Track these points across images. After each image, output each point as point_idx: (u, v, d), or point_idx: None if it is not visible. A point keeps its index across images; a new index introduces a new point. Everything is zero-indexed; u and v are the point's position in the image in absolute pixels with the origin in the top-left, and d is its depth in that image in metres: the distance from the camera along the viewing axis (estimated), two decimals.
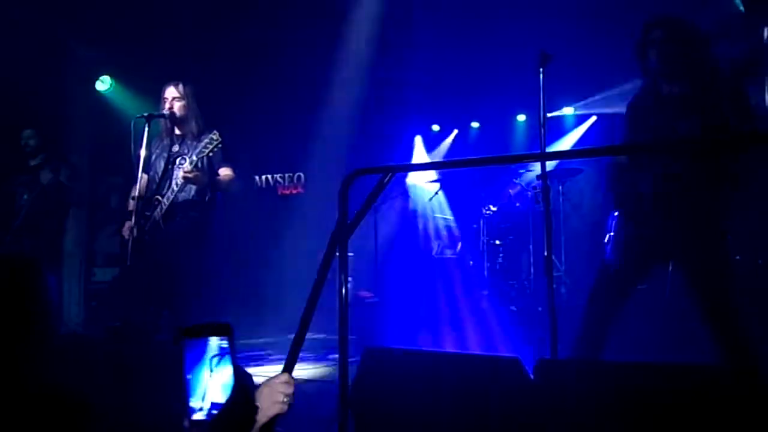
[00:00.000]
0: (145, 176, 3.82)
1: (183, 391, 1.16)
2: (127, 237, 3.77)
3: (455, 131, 8.84)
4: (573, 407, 2.11)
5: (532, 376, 2.26)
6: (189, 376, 1.17)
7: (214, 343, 1.20)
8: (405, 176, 7.39)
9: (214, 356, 1.19)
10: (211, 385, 1.18)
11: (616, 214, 2.87)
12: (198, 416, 1.16)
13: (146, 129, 3.78)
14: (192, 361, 1.18)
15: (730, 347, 2.57)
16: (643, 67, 2.90)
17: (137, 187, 3.79)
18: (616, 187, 2.93)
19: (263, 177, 8.08)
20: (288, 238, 7.13)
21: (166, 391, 2.58)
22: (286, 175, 8.07)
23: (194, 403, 1.17)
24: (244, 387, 1.17)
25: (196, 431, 1.15)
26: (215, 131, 3.74)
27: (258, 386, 1.61)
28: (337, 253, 1.95)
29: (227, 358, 1.20)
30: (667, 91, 2.81)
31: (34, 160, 5.20)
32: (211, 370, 1.19)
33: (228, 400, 1.16)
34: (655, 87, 2.83)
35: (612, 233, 2.84)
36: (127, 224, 3.82)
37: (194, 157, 3.71)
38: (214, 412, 1.17)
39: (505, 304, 5.67)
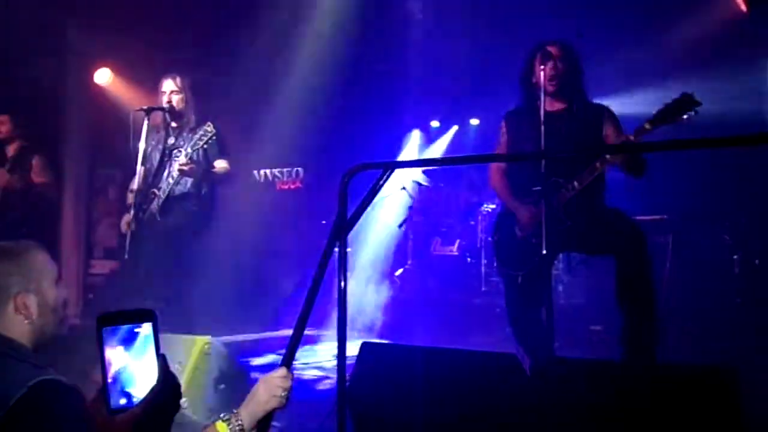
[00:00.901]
0: (142, 168, 3.81)
1: (103, 379, 1.13)
2: (124, 231, 3.77)
3: (455, 127, 8.84)
4: (569, 405, 2.12)
5: (528, 374, 2.27)
6: (108, 364, 1.14)
7: (135, 330, 1.16)
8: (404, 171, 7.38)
9: (135, 343, 1.16)
10: (134, 372, 1.15)
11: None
12: (121, 402, 1.14)
13: (145, 122, 3.78)
14: (111, 348, 1.14)
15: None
16: (527, 83, 3.18)
17: (135, 180, 3.79)
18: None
19: (262, 172, 8.07)
20: (287, 233, 7.13)
21: None
22: (285, 170, 8.06)
23: (116, 390, 1.14)
24: (167, 373, 1.16)
25: (119, 418, 1.13)
26: (209, 123, 3.73)
27: (254, 381, 1.62)
28: (337, 249, 1.95)
29: (150, 345, 1.17)
30: (551, 107, 3.04)
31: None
32: (134, 358, 1.15)
33: (153, 387, 1.14)
34: (538, 102, 3.01)
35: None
36: (125, 218, 3.81)
37: (189, 150, 3.71)
38: (136, 400, 1.14)
39: (502, 301, 5.67)
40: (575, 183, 2.96)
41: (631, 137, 2.83)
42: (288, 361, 1.67)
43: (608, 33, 5.61)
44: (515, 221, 3.19)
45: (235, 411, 1.55)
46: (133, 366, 1.15)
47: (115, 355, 1.14)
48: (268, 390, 1.57)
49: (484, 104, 7.58)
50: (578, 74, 3.16)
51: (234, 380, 2.76)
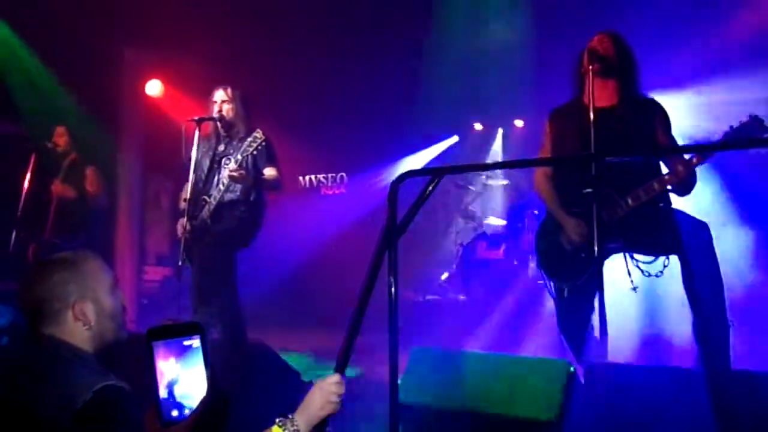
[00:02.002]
0: (193, 177, 3.90)
1: (155, 391, 1.15)
2: (180, 236, 3.87)
3: (500, 130, 8.77)
4: (623, 412, 2.08)
5: (582, 380, 2.23)
6: (161, 377, 1.16)
7: (185, 343, 1.18)
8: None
9: (186, 356, 1.18)
10: (185, 384, 1.17)
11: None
12: (173, 414, 1.16)
13: (197, 132, 3.88)
14: (163, 360, 1.16)
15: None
16: (575, 74, 3.03)
17: (187, 188, 3.88)
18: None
19: (307, 177, 8.17)
20: (331, 238, 7.19)
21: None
22: (329, 175, 8.14)
23: (168, 402, 1.16)
24: (216, 386, 1.18)
25: (172, 430, 1.15)
26: (259, 130, 3.79)
27: (309, 386, 1.64)
28: (387, 255, 1.95)
29: (199, 357, 1.19)
30: (599, 103, 2.87)
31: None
32: (185, 370, 1.17)
33: (203, 399, 1.16)
34: (585, 99, 2.88)
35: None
36: (181, 221, 3.92)
37: (239, 157, 3.77)
38: (187, 412, 1.16)
39: (551, 305, 5.59)
40: (629, 200, 2.81)
41: (694, 161, 2.71)
42: (341, 368, 1.68)
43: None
44: (562, 231, 3.03)
45: (290, 416, 1.57)
46: (184, 378, 1.17)
47: (167, 368, 1.17)
48: (323, 396, 1.58)
49: (530, 103, 7.49)
50: (630, 59, 2.99)
51: (287, 384, 2.79)
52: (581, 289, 2.93)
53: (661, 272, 2.86)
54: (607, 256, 2.96)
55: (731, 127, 2.63)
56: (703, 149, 2.96)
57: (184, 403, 1.17)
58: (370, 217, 7.09)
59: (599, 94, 2.88)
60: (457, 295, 6.83)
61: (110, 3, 5.66)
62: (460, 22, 6.37)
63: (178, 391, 1.17)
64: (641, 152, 2.94)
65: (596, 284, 2.85)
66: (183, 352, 1.18)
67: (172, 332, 1.19)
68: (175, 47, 6.41)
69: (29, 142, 5.17)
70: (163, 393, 1.16)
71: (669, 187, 2.81)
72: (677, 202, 2.98)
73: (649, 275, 2.88)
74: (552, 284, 3.11)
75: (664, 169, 2.96)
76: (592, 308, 2.90)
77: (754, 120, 2.59)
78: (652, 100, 3.02)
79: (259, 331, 4.22)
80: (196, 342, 1.19)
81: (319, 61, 6.95)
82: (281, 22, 6.24)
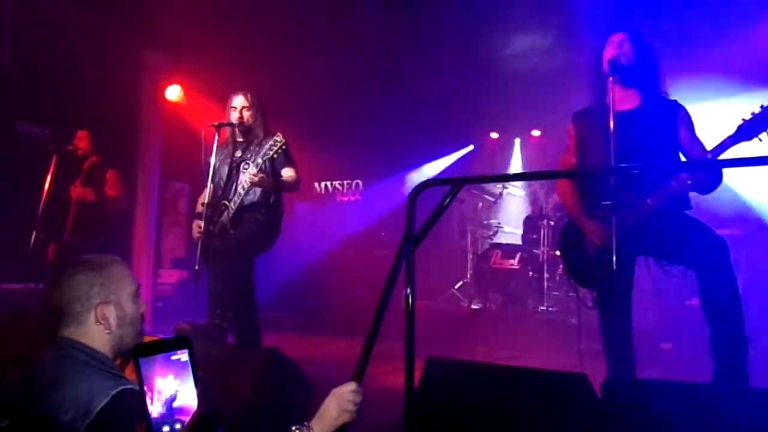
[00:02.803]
0: (212, 183, 3.92)
1: (144, 407, 1.16)
2: (196, 237, 3.89)
3: (517, 140, 8.77)
4: (640, 428, 2.05)
5: (599, 394, 2.20)
6: (150, 392, 1.17)
7: (172, 357, 1.19)
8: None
9: (174, 370, 1.19)
10: (176, 399, 1.18)
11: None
12: (165, 430, 1.17)
13: (216, 137, 3.90)
14: (152, 375, 1.17)
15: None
16: (596, 75, 3.01)
17: (206, 192, 3.91)
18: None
19: (323, 184, 8.21)
20: (347, 244, 7.20)
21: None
22: (345, 182, 8.17)
23: (159, 420, 1.17)
24: (206, 398, 1.18)
25: None
26: (279, 133, 3.79)
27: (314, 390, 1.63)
28: (404, 264, 1.95)
29: (188, 372, 1.20)
30: (621, 105, 2.86)
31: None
32: (174, 385, 1.19)
33: (193, 415, 1.17)
34: (608, 99, 2.85)
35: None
36: (196, 223, 3.94)
37: (259, 161, 3.78)
38: (179, 427, 1.17)
39: (567, 316, 5.55)
40: (648, 201, 2.80)
41: (709, 155, 2.68)
42: (359, 376, 1.68)
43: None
44: (584, 236, 3.04)
45: (306, 423, 1.57)
46: (174, 393, 1.19)
47: (165, 385, 1.18)
48: (339, 404, 1.58)
49: (546, 114, 7.48)
50: (651, 62, 2.96)
51: (300, 392, 2.79)
52: (613, 296, 2.91)
53: (684, 274, 2.86)
54: (632, 260, 2.95)
55: (744, 120, 2.61)
56: (707, 162, 2.91)
57: (176, 418, 1.18)
58: (385, 224, 7.10)
59: (620, 98, 2.88)
60: (471, 303, 6.81)
61: (131, 7, 5.73)
62: (478, 32, 6.37)
63: (168, 406, 1.18)
64: (658, 162, 2.88)
65: (628, 290, 2.88)
66: (171, 367, 1.19)
67: (159, 348, 1.19)
68: (195, 52, 6.47)
69: (50, 144, 5.23)
70: (158, 409, 1.17)
71: (689, 182, 2.76)
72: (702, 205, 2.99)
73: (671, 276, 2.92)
74: (583, 292, 3.14)
75: None
76: (629, 316, 2.92)
77: (765, 109, 2.58)
78: (675, 101, 2.98)
79: (275, 338, 4.23)
80: (184, 356, 1.20)
81: (337, 69, 6.99)
82: (300, 29, 6.28)
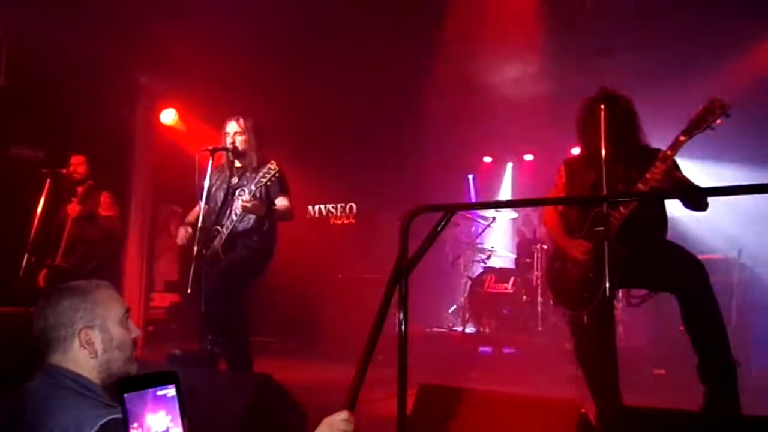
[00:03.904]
0: (205, 207, 3.92)
1: None
2: (180, 243, 3.95)
3: (510, 164, 8.81)
4: None
5: (594, 422, 2.19)
6: (138, 430, 1.13)
7: (158, 393, 1.17)
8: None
9: (161, 406, 1.16)
10: None
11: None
12: None
13: (210, 161, 3.92)
14: (135, 414, 1.14)
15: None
16: (586, 130, 3.14)
17: (194, 213, 3.92)
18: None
19: (316, 207, 8.21)
20: (340, 267, 7.19)
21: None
22: (339, 205, 8.18)
23: None
24: None
25: None
26: (272, 162, 3.83)
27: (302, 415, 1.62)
28: (397, 290, 1.95)
29: (175, 406, 1.17)
30: (610, 155, 2.97)
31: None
32: (160, 422, 1.16)
33: None
34: (597, 145, 2.97)
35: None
36: (183, 228, 4.00)
37: (253, 187, 3.80)
38: None
39: (561, 341, 5.53)
40: (620, 208, 2.93)
41: (668, 152, 2.82)
42: (351, 404, 1.66)
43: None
44: (568, 258, 3.15)
45: None
46: (169, 428, 1.16)
47: (147, 420, 1.15)
48: None
49: (539, 138, 7.54)
50: (633, 121, 3.12)
51: (292, 419, 2.76)
52: (597, 318, 2.98)
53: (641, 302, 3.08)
54: (616, 288, 3.02)
55: (696, 113, 2.76)
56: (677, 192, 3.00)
57: None
58: (378, 247, 7.09)
59: (608, 145, 2.98)
60: (464, 328, 6.78)
61: (127, 31, 5.78)
62: (469, 58, 6.46)
63: None
64: (640, 196, 3.02)
65: (610, 313, 2.98)
66: (162, 403, 1.16)
67: (145, 383, 1.17)
68: (191, 76, 6.51)
69: (44, 167, 5.23)
70: None
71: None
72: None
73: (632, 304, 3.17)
74: (569, 314, 3.18)
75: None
76: (610, 338, 2.99)
77: (713, 101, 2.73)
78: (657, 149, 3.09)
79: (266, 363, 4.19)
80: (171, 391, 1.18)
81: (333, 93, 7.05)
82: (295, 54, 6.34)
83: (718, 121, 2.72)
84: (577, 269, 3.11)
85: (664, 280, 2.91)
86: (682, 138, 2.78)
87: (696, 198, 2.95)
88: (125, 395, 1.14)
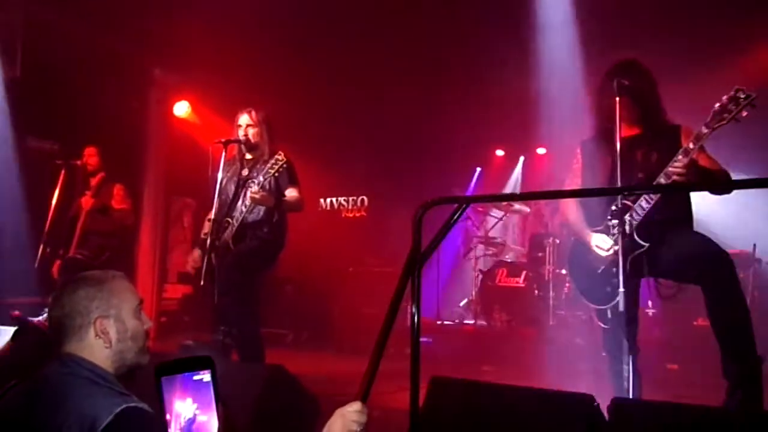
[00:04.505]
0: (218, 199, 3.93)
1: (164, 429, 1.14)
2: (190, 268, 4.00)
3: (522, 158, 8.77)
4: None
5: (606, 416, 2.18)
6: (171, 414, 1.14)
7: (195, 378, 1.17)
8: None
9: (196, 391, 1.17)
10: (197, 420, 1.16)
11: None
12: None
13: (223, 154, 3.93)
14: (172, 397, 1.15)
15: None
16: (601, 107, 3.06)
17: (214, 210, 3.93)
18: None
19: (328, 200, 8.22)
20: (351, 260, 7.20)
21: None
22: (350, 198, 8.18)
23: None
24: (228, 420, 1.16)
25: None
26: (280, 152, 3.83)
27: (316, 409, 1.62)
28: (410, 282, 1.94)
29: (210, 392, 1.18)
30: (627, 133, 2.91)
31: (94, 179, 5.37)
32: (196, 406, 1.17)
33: None
34: (613, 126, 2.89)
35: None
36: (192, 255, 4.05)
37: (262, 179, 3.80)
38: None
39: (572, 335, 5.52)
40: (643, 203, 2.86)
41: (691, 145, 2.72)
42: (364, 396, 1.66)
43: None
44: (590, 251, 3.07)
45: None
46: (196, 415, 1.17)
47: (183, 408, 1.16)
48: (344, 425, 1.55)
49: (551, 131, 7.49)
50: (653, 94, 3.01)
51: (304, 410, 2.77)
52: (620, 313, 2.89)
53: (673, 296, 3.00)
54: (640, 278, 2.98)
55: (719, 104, 2.65)
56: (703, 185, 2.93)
57: None
58: (391, 240, 7.09)
59: (626, 127, 2.93)
60: (476, 321, 6.78)
61: (141, 24, 5.80)
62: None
63: (189, 428, 1.16)
64: (659, 189, 2.92)
65: (635, 306, 2.92)
66: (193, 387, 1.17)
67: (181, 367, 1.18)
68: (204, 69, 6.53)
69: (59, 158, 5.27)
70: (174, 430, 1.14)
71: (677, 176, 2.78)
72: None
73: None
74: (595, 310, 3.12)
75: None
76: (635, 332, 2.92)
77: (737, 90, 2.62)
78: (677, 125, 3.03)
79: (279, 354, 4.21)
80: (206, 376, 1.19)
81: (345, 86, 7.04)
82: (309, 48, 6.33)
83: (744, 113, 2.60)
84: (599, 263, 3.04)
85: (690, 272, 2.81)
86: (705, 131, 2.68)
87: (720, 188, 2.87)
88: (162, 378, 1.15)
